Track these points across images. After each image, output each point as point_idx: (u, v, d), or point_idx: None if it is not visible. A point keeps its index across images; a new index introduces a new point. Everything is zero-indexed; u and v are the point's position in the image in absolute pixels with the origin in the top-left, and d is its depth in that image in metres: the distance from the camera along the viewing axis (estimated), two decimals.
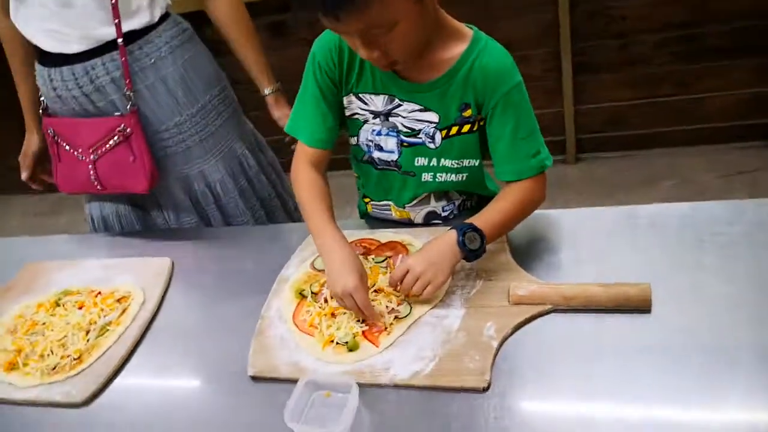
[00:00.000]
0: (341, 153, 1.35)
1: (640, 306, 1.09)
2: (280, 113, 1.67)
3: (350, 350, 1.12)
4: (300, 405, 1.03)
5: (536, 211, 1.35)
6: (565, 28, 2.70)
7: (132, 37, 1.46)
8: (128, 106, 1.46)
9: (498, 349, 1.07)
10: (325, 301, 1.22)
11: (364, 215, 1.51)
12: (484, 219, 1.17)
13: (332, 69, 1.22)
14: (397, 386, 1.05)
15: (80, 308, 1.34)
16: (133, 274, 1.43)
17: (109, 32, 1.43)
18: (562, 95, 2.86)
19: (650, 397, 0.95)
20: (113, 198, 1.63)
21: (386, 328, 1.15)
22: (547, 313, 1.12)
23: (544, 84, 2.84)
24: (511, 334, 1.10)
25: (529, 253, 1.27)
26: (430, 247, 1.17)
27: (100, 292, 1.38)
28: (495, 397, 1.01)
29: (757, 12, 2.56)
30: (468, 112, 1.19)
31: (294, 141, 1.47)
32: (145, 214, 1.65)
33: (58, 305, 1.37)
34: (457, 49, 1.15)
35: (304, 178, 1.29)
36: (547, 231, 1.32)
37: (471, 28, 1.18)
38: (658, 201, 1.38)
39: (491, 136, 1.20)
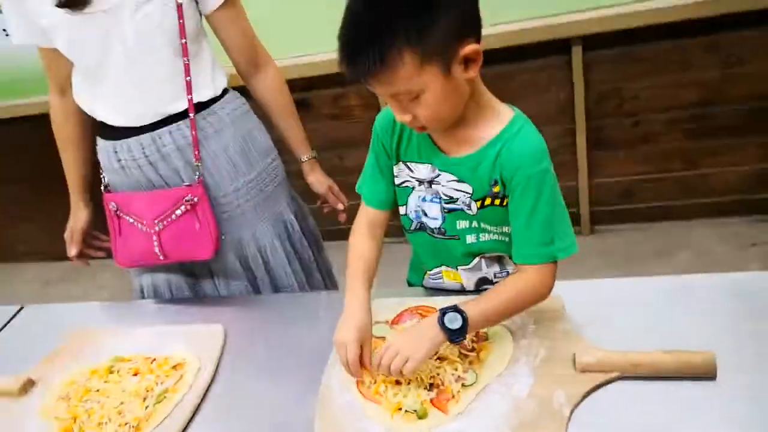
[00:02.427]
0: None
1: (706, 374, 1.10)
2: (314, 178, 1.76)
3: (420, 418, 1.12)
4: None
5: (585, 280, 1.37)
6: (579, 106, 2.81)
7: (197, 108, 1.51)
8: (196, 177, 1.49)
9: (569, 418, 1.08)
10: None
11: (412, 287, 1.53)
12: (475, 302, 1.19)
13: (386, 136, 1.30)
14: None
15: (135, 375, 1.33)
16: (186, 341, 1.42)
17: (178, 105, 1.50)
18: (578, 169, 2.94)
19: None
20: (166, 267, 1.64)
21: (453, 396, 1.15)
22: (615, 380, 1.14)
23: (559, 158, 2.92)
24: (580, 401, 1.11)
25: (583, 320, 1.28)
26: (414, 326, 1.22)
27: (155, 359, 1.37)
28: None
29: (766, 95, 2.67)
30: (497, 188, 1.22)
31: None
32: (195, 281, 1.65)
33: (111, 372, 1.36)
34: (494, 130, 1.19)
35: (356, 244, 1.35)
36: (598, 299, 1.34)
37: (514, 110, 1.22)
38: (676, 273, 1.41)
39: (510, 215, 1.23)
